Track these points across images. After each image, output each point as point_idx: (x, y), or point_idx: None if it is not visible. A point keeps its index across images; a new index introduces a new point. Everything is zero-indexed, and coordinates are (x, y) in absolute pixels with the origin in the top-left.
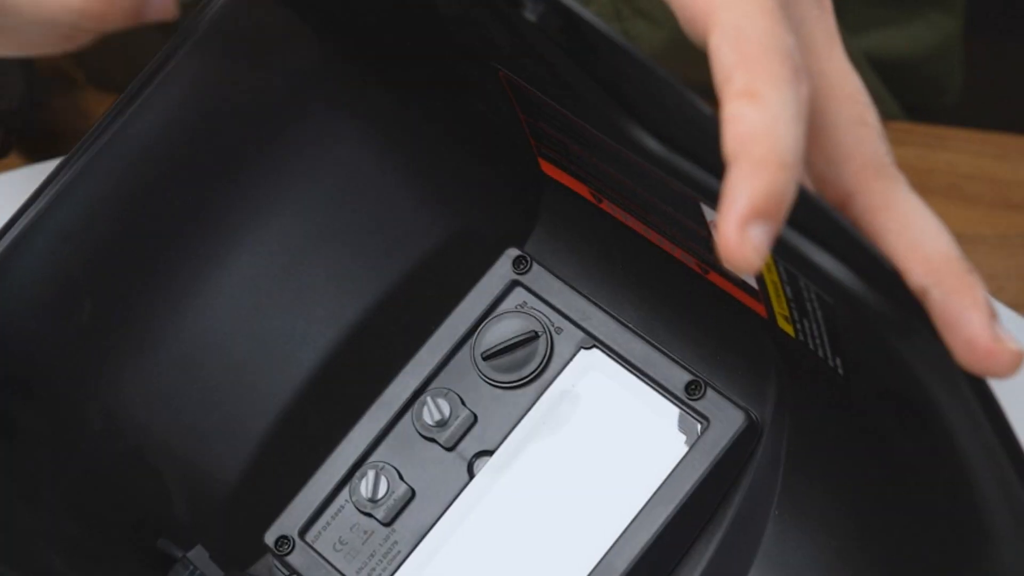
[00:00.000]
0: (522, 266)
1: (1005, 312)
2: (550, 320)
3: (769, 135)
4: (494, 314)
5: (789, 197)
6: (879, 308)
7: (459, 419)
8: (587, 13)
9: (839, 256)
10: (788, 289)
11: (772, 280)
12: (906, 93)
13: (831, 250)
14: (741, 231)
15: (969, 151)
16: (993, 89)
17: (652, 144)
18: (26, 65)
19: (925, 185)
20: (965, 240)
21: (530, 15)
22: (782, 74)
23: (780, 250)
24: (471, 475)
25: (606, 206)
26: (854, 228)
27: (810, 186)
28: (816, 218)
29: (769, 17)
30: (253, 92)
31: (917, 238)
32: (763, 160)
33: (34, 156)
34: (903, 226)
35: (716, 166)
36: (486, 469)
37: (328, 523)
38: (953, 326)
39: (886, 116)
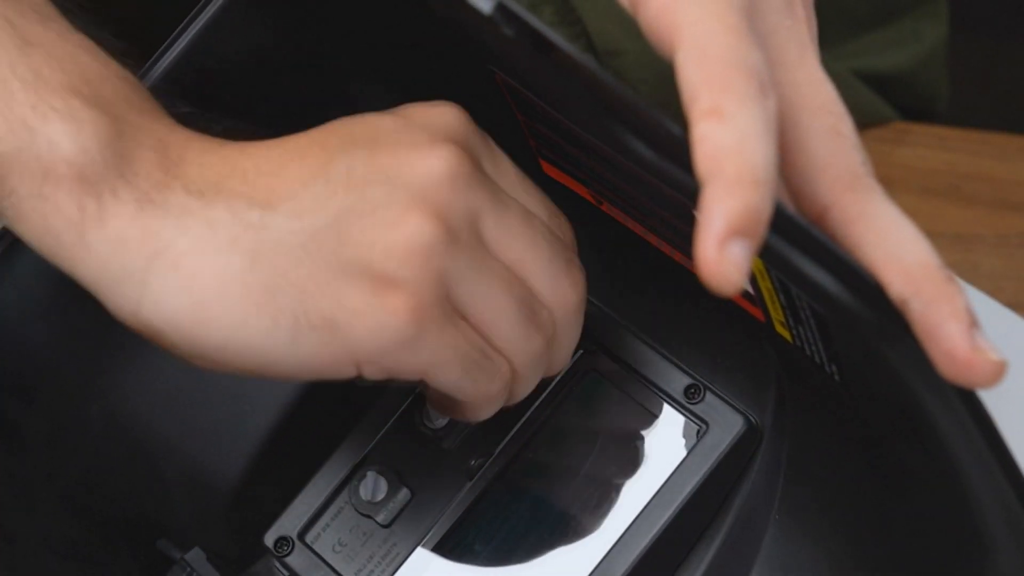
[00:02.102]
0: None
1: (1003, 312)
2: None
3: (739, 153)
4: None
5: (766, 213)
6: (866, 317)
7: (460, 422)
8: (553, 35)
9: (824, 266)
10: (782, 297)
11: (767, 287)
12: (898, 106)
13: (817, 260)
14: (720, 250)
15: (969, 151)
16: (992, 89)
17: (643, 150)
18: None
19: (925, 185)
20: (964, 240)
21: (508, 31)
22: (747, 91)
23: (769, 259)
24: (470, 477)
25: (606, 208)
26: (832, 243)
27: (787, 200)
28: (796, 233)
29: (733, 33)
30: (251, 97)
31: (894, 249)
32: (736, 178)
33: None
34: (880, 237)
35: None
36: (485, 471)
37: (327, 525)
38: (933, 337)
39: (884, 121)
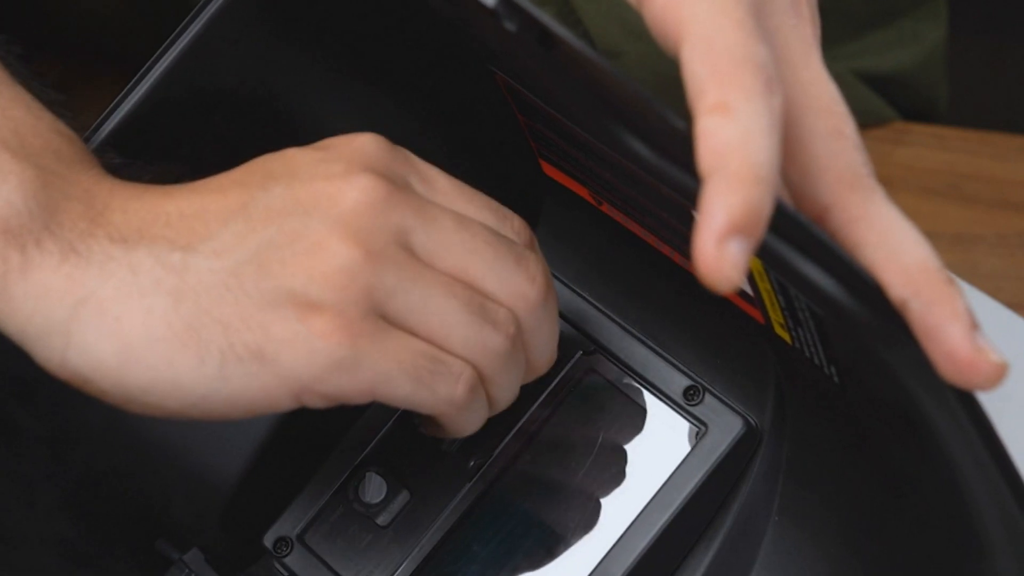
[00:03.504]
0: None
1: (1003, 312)
2: None
3: (743, 149)
4: None
5: (767, 211)
6: (865, 319)
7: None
8: (559, 27)
9: (823, 267)
10: (781, 298)
11: (766, 288)
12: (898, 106)
13: (816, 261)
14: (719, 247)
15: (968, 151)
16: (992, 89)
17: (642, 150)
18: None
19: (925, 185)
20: (964, 240)
21: (510, 26)
22: (754, 86)
23: (768, 260)
24: (470, 478)
25: (606, 209)
26: (833, 242)
27: (788, 199)
28: (796, 232)
29: (740, 29)
30: (253, 98)
31: (895, 250)
32: (738, 175)
33: None
34: (881, 238)
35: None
36: (484, 472)
37: (327, 526)
38: (933, 338)
39: (884, 121)
